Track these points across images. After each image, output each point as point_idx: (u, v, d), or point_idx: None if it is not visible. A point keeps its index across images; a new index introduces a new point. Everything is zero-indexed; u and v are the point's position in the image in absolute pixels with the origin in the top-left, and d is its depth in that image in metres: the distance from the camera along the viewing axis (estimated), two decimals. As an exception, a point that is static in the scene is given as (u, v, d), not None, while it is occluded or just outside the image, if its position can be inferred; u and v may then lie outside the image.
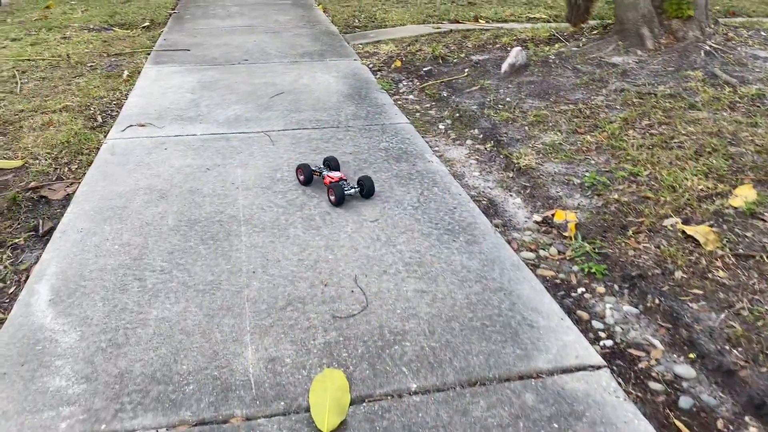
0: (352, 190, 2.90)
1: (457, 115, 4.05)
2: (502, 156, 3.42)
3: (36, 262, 2.49)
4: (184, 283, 2.32)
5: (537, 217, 2.82)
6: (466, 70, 4.97)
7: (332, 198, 2.87)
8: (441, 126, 3.93)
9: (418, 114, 4.15)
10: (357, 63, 5.35)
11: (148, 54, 5.69)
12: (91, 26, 6.98)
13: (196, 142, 3.61)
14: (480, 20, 6.90)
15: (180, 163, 3.31)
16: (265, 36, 6.42)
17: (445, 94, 4.49)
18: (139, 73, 5.07)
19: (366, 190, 2.90)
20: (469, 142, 3.65)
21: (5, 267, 2.48)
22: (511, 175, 3.22)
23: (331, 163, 3.15)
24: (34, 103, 4.35)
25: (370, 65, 5.32)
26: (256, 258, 2.47)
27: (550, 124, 3.74)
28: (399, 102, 4.39)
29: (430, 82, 4.75)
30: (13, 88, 4.70)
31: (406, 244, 2.56)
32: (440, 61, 5.27)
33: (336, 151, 3.47)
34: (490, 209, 2.92)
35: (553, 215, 2.80)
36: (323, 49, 5.84)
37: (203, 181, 3.11)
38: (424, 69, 5.07)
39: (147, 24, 7.09)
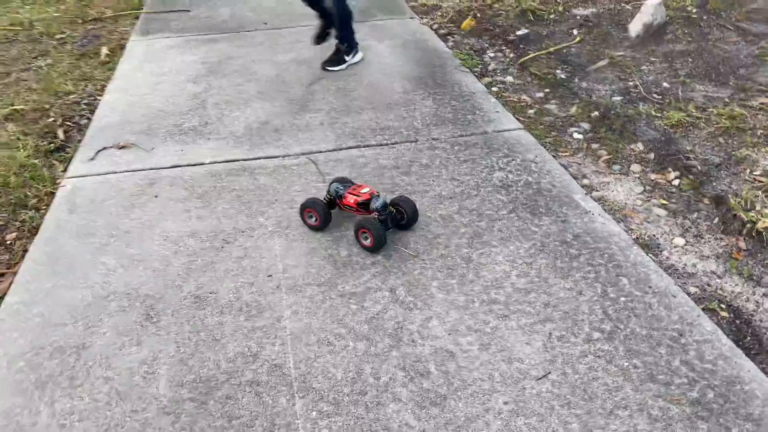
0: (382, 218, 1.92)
1: (596, 113, 2.67)
2: (707, 200, 2.07)
3: None
4: None
5: None
6: (575, 31, 3.54)
7: (367, 242, 1.87)
8: (576, 135, 2.56)
9: (531, 111, 2.78)
10: (415, 23, 3.92)
11: (136, 18, 4.29)
12: (66, -22, 5.52)
13: (203, 179, 2.30)
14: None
15: (179, 229, 2.01)
16: (287, -14, 4.94)
17: (561, 74, 3.09)
18: (122, 49, 3.70)
19: (408, 219, 1.95)
20: (636, 167, 2.30)
21: None
22: (743, 245, 1.88)
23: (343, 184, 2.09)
24: (-29, 105, 3.02)
25: (434, 26, 3.89)
26: (337, 504, 1.20)
27: (760, 133, 2.36)
28: (494, 88, 3.00)
29: (530, 53, 3.34)
30: (-51, 79, 3.36)
31: (631, 455, 1.27)
32: (532, 18, 3.82)
33: (427, 194, 2.15)
34: (746, 335, 1.60)
35: None
36: (365, 2, 4.39)
37: (219, 270, 1.82)
38: (516, 32, 3.64)
39: (136, -27, 5.61)
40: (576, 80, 2.97)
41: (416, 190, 2.18)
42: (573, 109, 2.71)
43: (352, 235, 1.95)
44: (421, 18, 4.03)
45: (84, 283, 1.79)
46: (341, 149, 2.48)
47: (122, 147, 2.53)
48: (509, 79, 3.09)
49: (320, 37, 3.35)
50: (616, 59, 3.11)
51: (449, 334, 1.57)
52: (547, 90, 2.94)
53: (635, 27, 3.36)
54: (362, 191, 1.94)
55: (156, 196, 2.19)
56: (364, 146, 2.50)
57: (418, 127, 2.62)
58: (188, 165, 2.39)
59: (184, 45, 3.68)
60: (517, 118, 2.67)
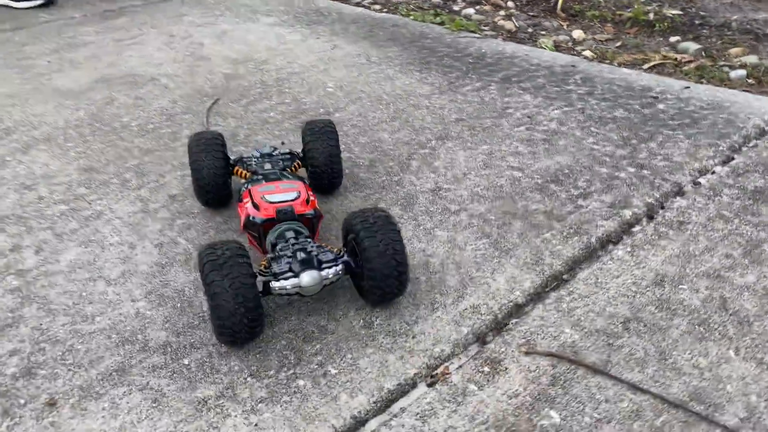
0: (331, 270, 0.80)
1: None
2: None
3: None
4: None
5: None
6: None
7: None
8: None
9: (732, 74, 1.38)
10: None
11: None
12: None
13: None
14: None
15: None
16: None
17: (665, 10, 1.72)
18: None
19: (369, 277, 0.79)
20: None
21: None
22: None
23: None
24: None
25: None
26: None
27: None
28: (587, 53, 1.53)
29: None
30: None
31: None
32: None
33: None
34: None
35: None
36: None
37: None
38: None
39: None
40: (700, 12, 1.64)
41: None
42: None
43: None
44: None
45: None
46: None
47: None
48: (578, 33, 1.63)
49: None
50: None
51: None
52: (691, 35, 1.56)
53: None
54: (276, 197, 0.86)
55: None
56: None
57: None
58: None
59: None
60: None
